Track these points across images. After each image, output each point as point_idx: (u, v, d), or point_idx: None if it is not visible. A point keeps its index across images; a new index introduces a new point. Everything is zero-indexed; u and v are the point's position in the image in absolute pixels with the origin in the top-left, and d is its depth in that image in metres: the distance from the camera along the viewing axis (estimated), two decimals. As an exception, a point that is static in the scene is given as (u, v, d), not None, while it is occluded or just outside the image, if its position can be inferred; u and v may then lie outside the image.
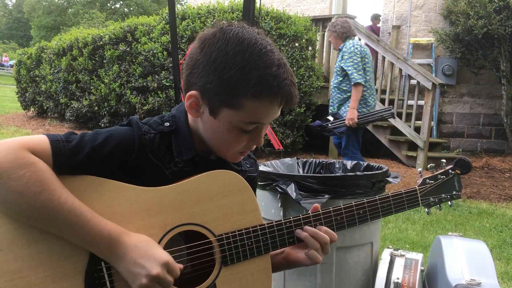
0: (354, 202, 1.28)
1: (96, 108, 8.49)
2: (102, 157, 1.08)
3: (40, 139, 1.04)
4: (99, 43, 8.60)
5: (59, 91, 9.41)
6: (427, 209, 1.39)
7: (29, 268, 1.02)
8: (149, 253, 1.05)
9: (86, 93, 8.73)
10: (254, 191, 1.41)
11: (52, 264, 1.03)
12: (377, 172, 2.31)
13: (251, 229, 1.19)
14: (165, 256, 1.06)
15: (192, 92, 1.15)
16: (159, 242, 1.12)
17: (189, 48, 1.20)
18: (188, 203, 1.14)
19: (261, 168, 2.45)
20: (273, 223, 1.21)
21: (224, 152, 1.23)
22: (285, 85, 1.10)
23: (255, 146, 1.21)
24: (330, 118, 4.86)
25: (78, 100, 8.97)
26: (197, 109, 1.17)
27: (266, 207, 2.29)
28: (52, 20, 38.06)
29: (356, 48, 4.72)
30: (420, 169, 1.44)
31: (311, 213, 1.25)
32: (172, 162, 1.19)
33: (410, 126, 7.20)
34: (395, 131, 7.49)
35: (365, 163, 2.67)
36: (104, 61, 8.43)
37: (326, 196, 2.20)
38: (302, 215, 1.24)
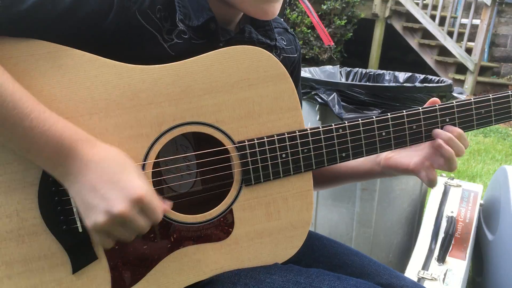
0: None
1: None
2: (59, 11, 0.69)
3: None
4: None
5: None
6: None
7: None
8: (116, 178, 0.67)
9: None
10: (297, 82, 1.00)
11: None
12: (439, 85, 1.90)
13: (286, 135, 0.81)
14: (140, 187, 0.68)
15: None
16: (150, 148, 0.75)
17: None
18: (195, 92, 0.76)
19: (298, 73, 2.05)
20: (319, 129, 0.82)
21: None
22: None
23: None
24: None
25: None
26: None
27: (302, 120, 1.92)
28: None
29: None
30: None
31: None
32: (175, 31, 0.79)
33: (461, 47, 6.52)
34: (443, 51, 6.87)
35: (422, 76, 2.25)
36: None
37: (376, 110, 1.82)
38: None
